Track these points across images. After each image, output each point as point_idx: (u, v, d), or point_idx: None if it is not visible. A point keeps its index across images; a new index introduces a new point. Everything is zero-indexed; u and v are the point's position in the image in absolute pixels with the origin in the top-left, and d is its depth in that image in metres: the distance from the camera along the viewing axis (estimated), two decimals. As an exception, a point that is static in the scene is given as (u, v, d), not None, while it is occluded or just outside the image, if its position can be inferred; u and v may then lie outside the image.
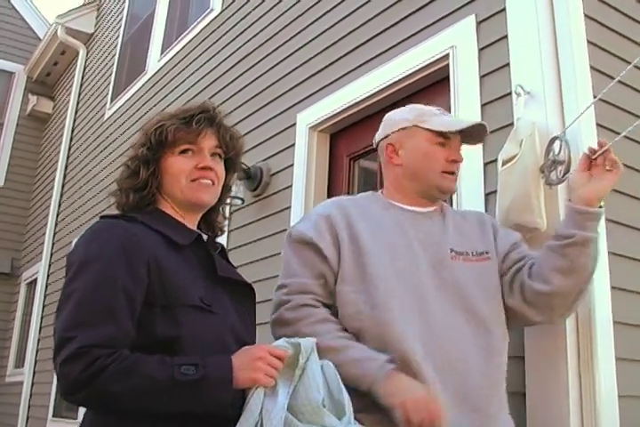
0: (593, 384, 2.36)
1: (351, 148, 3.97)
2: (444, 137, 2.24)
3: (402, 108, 2.38)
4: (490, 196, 2.78)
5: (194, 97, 5.78)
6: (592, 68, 2.82)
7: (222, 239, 4.61)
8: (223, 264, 1.96)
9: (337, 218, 2.15)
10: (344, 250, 2.10)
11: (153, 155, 1.90)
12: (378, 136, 2.36)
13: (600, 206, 2.12)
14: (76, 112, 9.79)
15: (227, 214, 2.18)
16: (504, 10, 3.04)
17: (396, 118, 2.32)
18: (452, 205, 2.94)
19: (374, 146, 2.41)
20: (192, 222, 1.97)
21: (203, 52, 5.98)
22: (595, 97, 2.61)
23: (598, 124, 2.72)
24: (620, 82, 2.56)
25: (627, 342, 2.56)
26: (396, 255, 2.10)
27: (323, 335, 1.93)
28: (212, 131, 1.96)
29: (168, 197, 1.93)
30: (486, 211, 2.76)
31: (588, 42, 2.86)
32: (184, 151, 1.92)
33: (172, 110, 2.00)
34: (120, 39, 8.81)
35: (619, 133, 2.34)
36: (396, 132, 2.27)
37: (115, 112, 8.13)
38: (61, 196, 9.40)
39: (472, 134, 2.32)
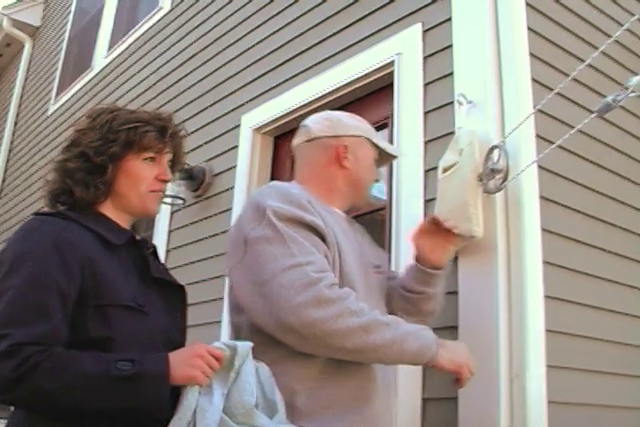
0: (524, 390, 2.40)
1: (295, 151, 3.98)
2: (380, 157, 2.28)
3: (345, 113, 2.36)
4: (429, 202, 2.80)
5: (139, 95, 5.75)
6: (533, 79, 2.87)
7: (162, 239, 4.60)
8: (156, 265, 1.95)
9: (314, 205, 2.02)
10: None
11: (119, 153, 1.86)
12: (321, 132, 2.23)
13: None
14: (20, 106, 9.64)
15: None
16: (450, 19, 3.07)
17: (349, 123, 2.26)
18: (391, 212, 2.98)
19: (308, 138, 2.26)
20: (126, 223, 1.95)
21: (150, 51, 5.95)
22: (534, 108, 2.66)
23: (537, 135, 2.77)
24: (558, 94, 2.61)
25: (557, 350, 2.60)
26: (355, 258, 2.06)
27: (368, 312, 1.85)
28: (173, 145, 1.97)
29: (117, 197, 1.89)
30: (425, 217, 2.78)
31: (530, 54, 2.91)
32: (148, 159, 1.90)
33: (132, 111, 1.96)
34: (67, 34, 8.71)
35: (557, 144, 2.38)
36: (351, 136, 2.22)
37: (59, 108, 8.03)
38: (1, 191, 9.24)
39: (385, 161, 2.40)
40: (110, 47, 6.98)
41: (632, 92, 1.94)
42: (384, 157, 2.32)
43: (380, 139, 2.31)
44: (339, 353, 1.84)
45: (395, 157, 2.39)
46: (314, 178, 2.20)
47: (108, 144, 1.85)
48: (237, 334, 2.03)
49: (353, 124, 2.26)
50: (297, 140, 2.29)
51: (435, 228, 2.30)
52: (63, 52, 8.60)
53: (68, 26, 8.75)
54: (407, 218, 2.89)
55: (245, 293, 1.89)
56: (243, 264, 1.91)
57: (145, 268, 1.87)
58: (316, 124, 2.27)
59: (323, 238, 1.94)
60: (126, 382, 1.55)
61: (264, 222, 1.91)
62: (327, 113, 2.37)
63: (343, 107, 3.52)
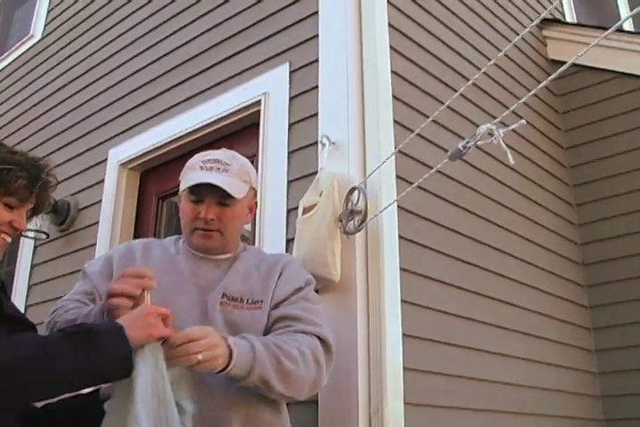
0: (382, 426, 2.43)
1: (161, 187, 3.93)
2: (194, 195, 2.15)
3: (195, 155, 2.27)
4: (291, 242, 2.80)
5: (6, 124, 5.58)
6: (395, 121, 2.95)
7: (25, 274, 4.46)
8: (7, 301, 1.85)
9: (116, 258, 2.15)
10: None
11: None
12: None
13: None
14: None
15: None
16: (317, 61, 3.12)
17: (184, 169, 2.24)
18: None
19: None
20: None
21: (19, 79, 5.77)
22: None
23: (397, 176, 2.84)
24: (419, 135, 2.68)
25: (414, 387, 2.66)
26: (169, 300, 1.98)
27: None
28: (38, 196, 1.87)
29: None
30: (286, 257, 2.78)
31: (393, 96, 2.99)
32: (7, 205, 1.80)
33: (12, 150, 1.84)
34: None
35: (415, 185, 2.44)
36: (181, 183, 2.20)
37: None
38: None
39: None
40: (-23, 73, 6.76)
41: (487, 137, 1.99)
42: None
43: (189, 175, 2.17)
44: None
45: (192, 189, 2.16)
46: None
47: None
48: None
49: (184, 169, 2.23)
50: None
51: None
52: None
53: None
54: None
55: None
56: None
57: None
58: None
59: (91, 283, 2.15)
60: (84, 337, 1.57)
61: None
62: None
63: (211, 144, 3.52)
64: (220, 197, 2.12)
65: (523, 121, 1.93)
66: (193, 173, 2.16)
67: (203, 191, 2.12)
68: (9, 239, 1.83)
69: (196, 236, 2.16)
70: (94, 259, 2.27)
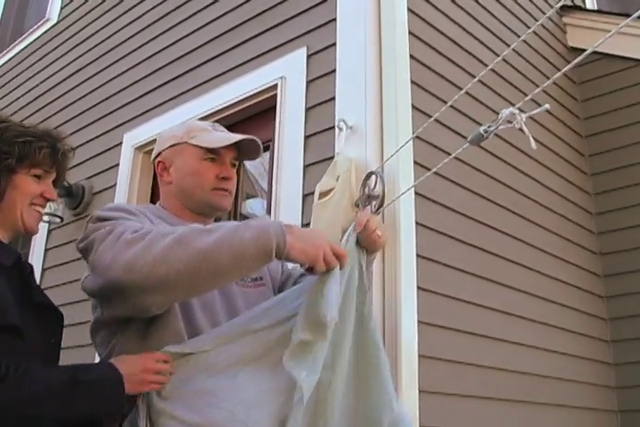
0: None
1: (176, 171, 3.92)
2: (214, 153, 2.09)
3: (175, 125, 2.27)
4: (306, 227, 2.76)
5: (22, 108, 5.58)
6: (413, 106, 2.92)
7: (38, 258, 4.46)
8: (37, 287, 1.87)
9: (147, 213, 1.99)
10: None
11: (13, 166, 1.78)
12: (153, 154, 2.22)
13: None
14: None
15: None
16: (334, 45, 3.09)
17: (166, 135, 2.19)
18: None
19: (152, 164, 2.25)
20: (7, 241, 1.86)
21: (35, 62, 5.79)
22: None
23: (415, 162, 2.81)
24: (437, 121, 2.64)
25: (430, 375, 2.64)
26: None
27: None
28: (58, 165, 1.89)
29: (1, 213, 1.80)
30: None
31: (411, 81, 2.96)
32: (35, 176, 1.82)
33: (23, 124, 1.86)
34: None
35: (432, 171, 2.41)
36: (167, 149, 2.13)
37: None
38: None
39: (249, 150, 2.18)
40: (-7, 57, 6.77)
41: (506, 123, 1.96)
42: (240, 151, 2.15)
43: (205, 135, 2.10)
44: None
45: (216, 148, 2.09)
46: (162, 198, 2.17)
47: (1, 155, 1.76)
48: None
49: (169, 134, 2.18)
50: None
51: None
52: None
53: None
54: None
55: None
56: None
57: (26, 291, 1.78)
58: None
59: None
60: (90, 387, 1.58)
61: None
62: (162, 131, 2.29)
63: (227, 128, 3.48)
64: (233, 157, 2.12)
65: (547, 105, 1.89)
66: (208, 134, 2.12)
67: (223, 151, 2.08)
68: (42, 211, 1.86)
69: (218, 195, 2.09)
70: (104, 210, 1.91)
